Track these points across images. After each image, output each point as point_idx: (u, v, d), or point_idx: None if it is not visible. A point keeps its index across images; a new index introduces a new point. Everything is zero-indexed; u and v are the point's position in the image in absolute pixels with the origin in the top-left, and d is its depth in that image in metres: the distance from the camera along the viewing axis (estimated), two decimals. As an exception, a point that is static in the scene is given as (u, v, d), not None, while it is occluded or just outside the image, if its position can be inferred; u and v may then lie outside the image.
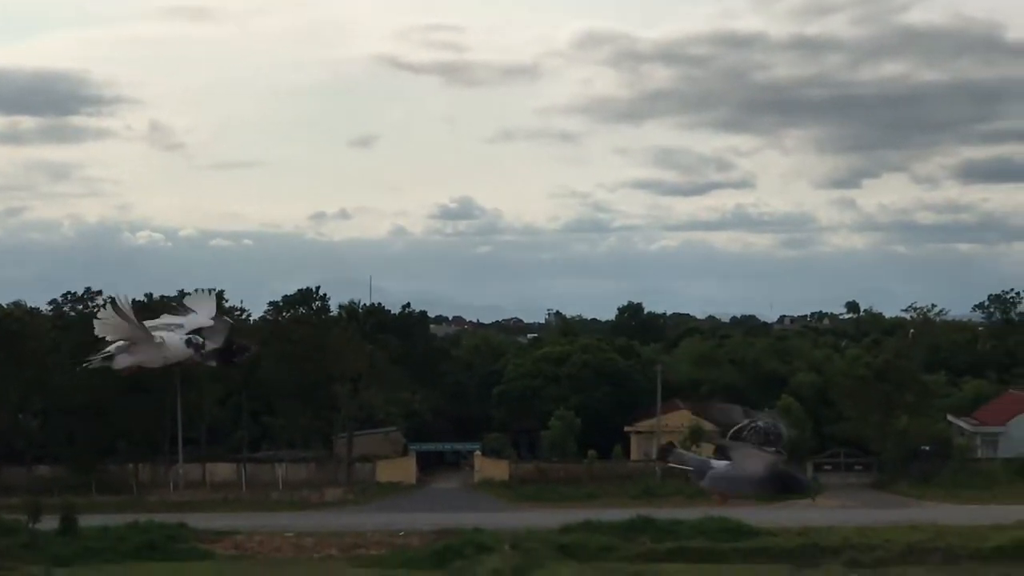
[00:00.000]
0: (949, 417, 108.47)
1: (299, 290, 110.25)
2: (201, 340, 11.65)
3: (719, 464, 9.72)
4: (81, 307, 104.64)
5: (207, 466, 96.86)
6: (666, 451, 11.29)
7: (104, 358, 11.71)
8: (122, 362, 11.59)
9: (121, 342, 11.50)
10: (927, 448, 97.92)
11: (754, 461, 9.57)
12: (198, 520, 77.71)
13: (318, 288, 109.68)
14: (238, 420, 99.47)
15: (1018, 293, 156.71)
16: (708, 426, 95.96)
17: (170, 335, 11.66)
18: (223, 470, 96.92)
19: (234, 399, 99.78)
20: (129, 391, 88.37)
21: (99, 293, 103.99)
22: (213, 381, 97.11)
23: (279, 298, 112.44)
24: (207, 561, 70.64)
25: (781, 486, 9.72)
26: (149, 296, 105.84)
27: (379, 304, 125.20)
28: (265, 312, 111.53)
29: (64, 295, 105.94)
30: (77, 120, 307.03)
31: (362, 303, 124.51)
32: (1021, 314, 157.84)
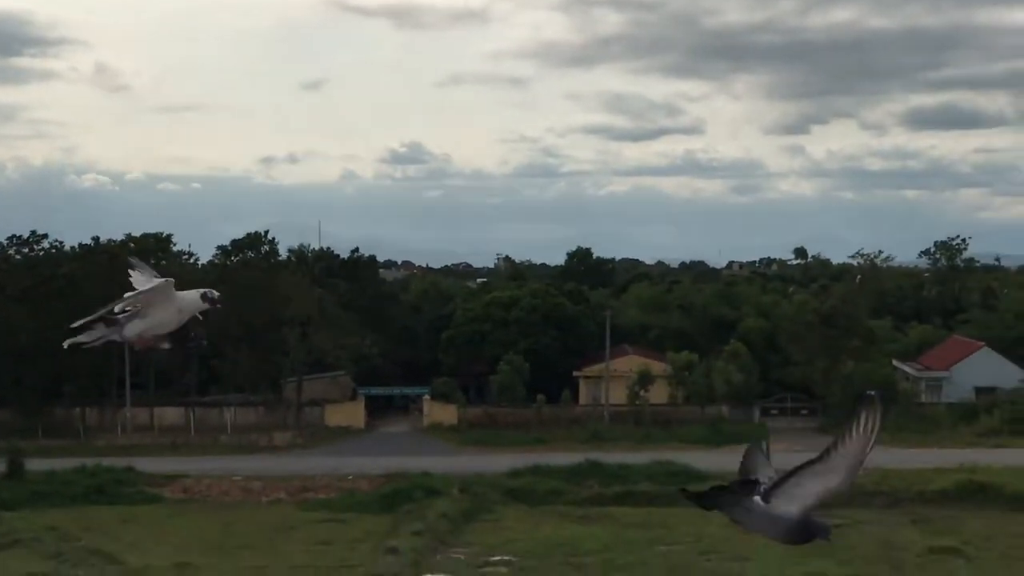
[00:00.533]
0: (894, 362, 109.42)
1: (247, 234, 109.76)
2: (216, 294, 10.69)
3: (757, 503, 9.41)
4: (27, 250, 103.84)
5: (155, 410, 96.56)
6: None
7: (108, 327, 10.59)
8: (133, 330, 10.54)
9: (129, 308, 10.51)
10: (873, 393, 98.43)
11: (794, 503, 9.36)
12: (146, 464, 77.58)
13: (267, 232, 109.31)
14: (186, 364, 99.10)
15: (964, 240, 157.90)
16: (656, 369, 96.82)
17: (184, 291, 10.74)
18: (171, 414, 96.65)
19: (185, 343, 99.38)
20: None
21: (44, 236, 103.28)
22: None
23: (227, 242, 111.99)
24: (155, 505, 70.58)
25: (807, 535, 9.57)
26: (96, 240, 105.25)
27: (328, 248, 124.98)
28: (213, 256, 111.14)
29: (9, 238, 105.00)
30: (21, 62, 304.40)
31: (311, 247, 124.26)
32: (966, 260, 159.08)
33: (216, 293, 10.66)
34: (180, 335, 11.09)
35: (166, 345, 11.19)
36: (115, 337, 10.62)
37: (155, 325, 10.56)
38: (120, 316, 10.53)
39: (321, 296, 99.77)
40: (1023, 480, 68.60)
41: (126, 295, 10.63)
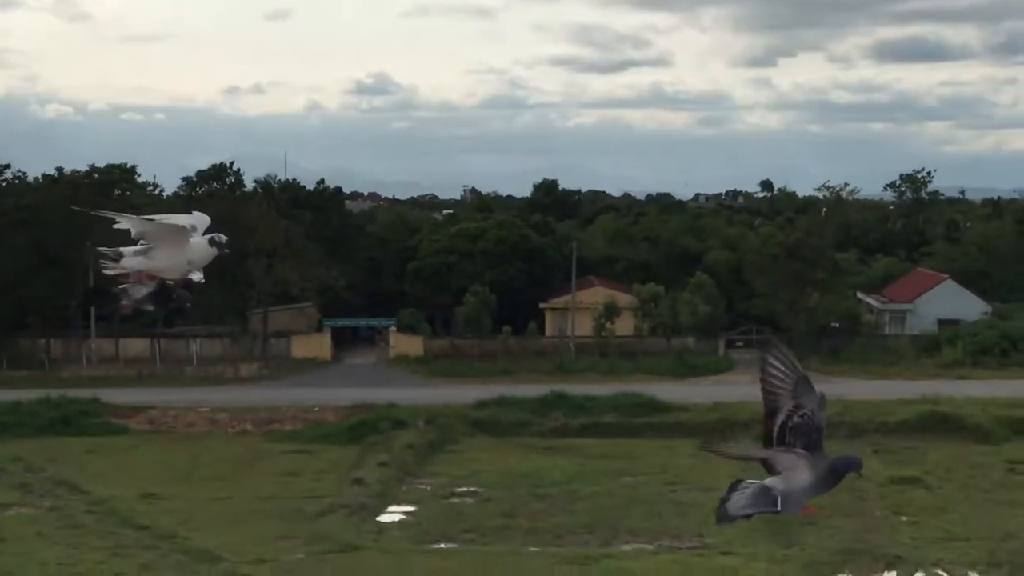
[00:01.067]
0: (859, 294, 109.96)
1: (212, 165, 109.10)
2: (224, 239, 10.21)
3: (777, 485, 9.22)
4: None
5: (120, 341, 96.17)
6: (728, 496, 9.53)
7: (109, 258, 10.06)
8: (132, 264, 10.01)
9: (136, 246, 9.92)
10: (837, 324, 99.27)
11: (802, 468, 9.18)
12: (111, 395, 77.41)
13: (232, 163, 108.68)
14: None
15: (929, 172, 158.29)
16: (622, 301, 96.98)
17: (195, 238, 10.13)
18: (136, 345, 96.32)
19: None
20: (40, 265, 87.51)
21: (7, 167, 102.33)
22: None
23: (192, 173, 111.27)
24: (121, 436, 70.58)
25: (837, 477, 9.31)
26: (59, 171, 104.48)
27: (294, 180, 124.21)
28: (178, 187, 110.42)
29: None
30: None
31: (277, 179, 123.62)
32: (931, 193, 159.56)
33: (224, 237, 10.15)
34: (164, 296, 10.57)
35: (150, 307, 10.77)
36: (110, 267, 10.11)
37: (159, 268, 10.08)
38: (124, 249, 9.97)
39: (287, 228, 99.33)
40: (984, 411, 69.24)
41: (150, 218, 10.05)
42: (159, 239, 9.84)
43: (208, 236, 10.00)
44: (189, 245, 9.91)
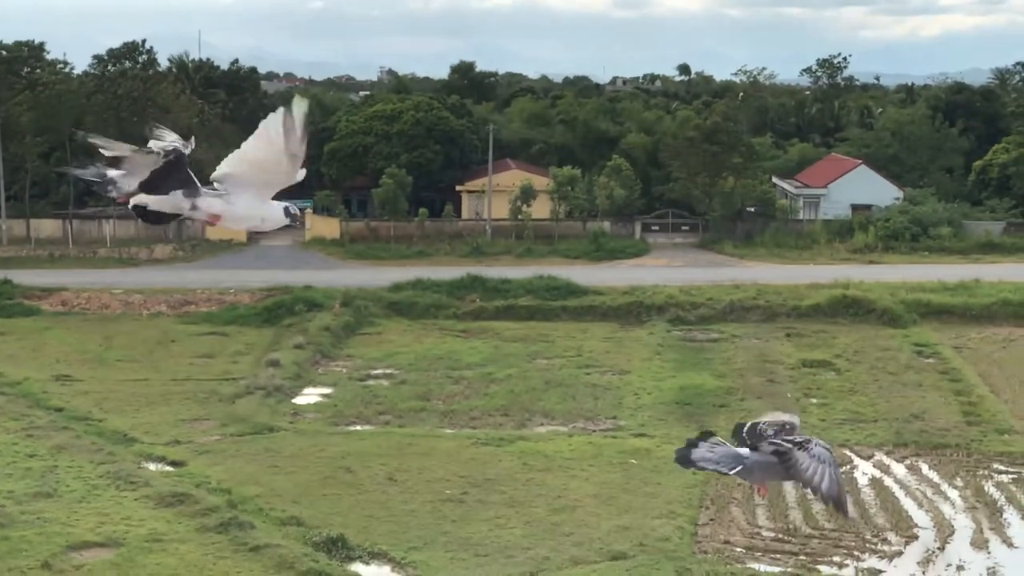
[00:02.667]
0: (774, 179, 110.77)
1: (125, 43, 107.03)
2: (298, 212, 9.56)
3: (750, 454, 9.26)
4: None
5: (31, 222, 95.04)
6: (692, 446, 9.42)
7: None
8: (207, 205, 9.11)
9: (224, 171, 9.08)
10: (752, 209, 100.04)
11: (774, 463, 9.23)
12: (23, 276, 76.59)
13: (144, 41, 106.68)
14: (63, 175, 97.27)
15: (844, 58, 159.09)
16: (538, 184, 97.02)
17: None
18: (48, 226, 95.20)
19: (58, 154, 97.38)
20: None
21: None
22: (35, 135, 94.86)
23: (104, 51, 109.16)
24: (33, 317, 69.96)
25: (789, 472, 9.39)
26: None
27: (208, 59, 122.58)
28: (89, 66, 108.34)
29: None
30: None
31: (191, 58, 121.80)
32: (847, 79, 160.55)
33: (297, 210, 9.55)
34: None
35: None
36: (182, 207, 9.16)
37: (231, 217, 9.19)
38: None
39: (202, 108, 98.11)
40: (893, 295, 70.27)
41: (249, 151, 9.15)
42: (248, 180, 9.12)
43: (284, 205, 9.34)
44: (270, 206, 9.29)
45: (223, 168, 9.10)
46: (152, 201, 9.13)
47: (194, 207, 9.09)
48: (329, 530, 35.33)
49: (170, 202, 9.11)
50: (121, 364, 59.00)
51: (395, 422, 48.61)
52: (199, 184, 9.06)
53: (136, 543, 34.72)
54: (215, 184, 9.13)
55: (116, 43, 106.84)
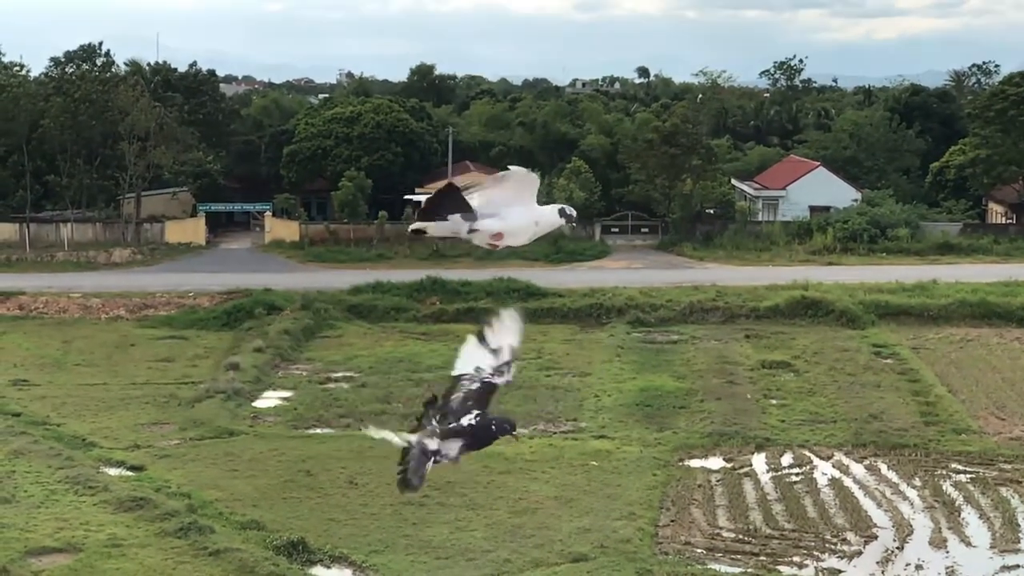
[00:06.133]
0: (733, 181, 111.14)
1: (82, 46, 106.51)
2: (573, 212, 9.64)
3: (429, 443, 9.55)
4: None
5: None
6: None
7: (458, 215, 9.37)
8: (485, 226, 9.37)
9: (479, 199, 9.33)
10: (711, 211, 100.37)
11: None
12: (-21, 281, 76.15)
13: (101, 43, 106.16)
14: (19, 179, 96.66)
15: (801, 60, 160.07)
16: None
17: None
18: (5, 230, 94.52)
19: (15, 158, 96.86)
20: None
21: None
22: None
23: (60, 54, 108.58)
24: (-10, 322, 69.54)
25: (491, 436, 9.58)
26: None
27: (166, 62, 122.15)
28: (46, 68, 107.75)
29: None
30: None
31: (149, 61, 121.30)
32: (804, 81, 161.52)
33: (573, 212, 9.66)
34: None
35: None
36: (459, 231, 9.46)
37: (510, 231, 9.45)
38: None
39: (160, 111, 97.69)
40: (851, 296, 70.64)
41: (493, 185, 9.46)
42: (507, 201, 9.41)
43: (559, 207, 9.51)
44: (542, 211, 9.48)
45: (477, 200, 9.43)
46: (432, 227, 9.43)
47: (472, 230, 9.43)
48: (289, 534, 35.25)
49: (449, 227, 9.40)
50: (80, 368, 58.72)
51: (355, 425, 48.53)
52: (475, 210, 9.37)
53: (95, 548, 34.55)
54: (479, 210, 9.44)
55: (73, 45, 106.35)
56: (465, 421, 9.30)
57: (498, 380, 9.64)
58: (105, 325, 69.39)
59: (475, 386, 9.63)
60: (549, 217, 9.49)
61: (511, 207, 9.39)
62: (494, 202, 9.40)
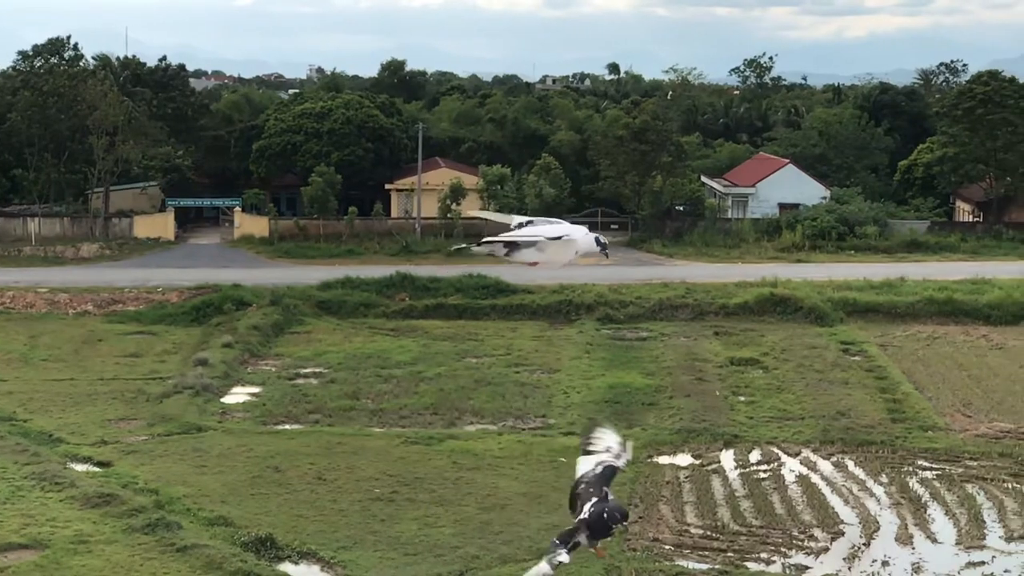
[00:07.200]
0: (703, 178, 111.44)
1: (50, 39, 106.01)
2: (606, 241, 10.88)
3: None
4: None
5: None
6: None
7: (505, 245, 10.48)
8: (526, 256, 10.67)
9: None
10: (681, 208, 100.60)
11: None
12: (-54, 275, 75.72)
13: (69, 37, 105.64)
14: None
15: (771, 58, 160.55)
16: (468, 182, 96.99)
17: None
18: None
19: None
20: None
21: None
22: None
23: (28, 47, 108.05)
24: (-43, 317, 69.16)
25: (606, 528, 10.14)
26: None
27: (135, 57, 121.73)
28: (14, 62, 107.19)
29: None
30: None
31: (117, 55, 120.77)
32: (774, 79, 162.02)
33: (606, 240, 10.77)
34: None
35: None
36: (504, 253, 10.50)
37: (550, 260, 10.70)
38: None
39: (129, 105, 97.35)
40: (820, 294, 70.90)
41: (542, 234, 10.46)
42: (552, 248, 10.64)
43: (595, 236, 10.73)
44: (578, 243, 10.70)
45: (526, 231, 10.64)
46: (473, 251, 10.69)
47: (510, 256, 10.59)
48: (258, 530, 35.16)
49: (487, 250, 10.69)
50: (46, 364, 58.42)
51: (324, 421, 48.45)
52: (518, 243, 10.53)
53: (62, 544, 34.39)
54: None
55: (41, 39, 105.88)
56: (585, 509, 10.09)
57: (619, 463, 10.64)
58: (72, 320, 69.10)
59: (599, 470, 10.62)
60: (587, 246, 10.75)
61: (553, 248, 10.57)
62: (542, 232, 10.58)
